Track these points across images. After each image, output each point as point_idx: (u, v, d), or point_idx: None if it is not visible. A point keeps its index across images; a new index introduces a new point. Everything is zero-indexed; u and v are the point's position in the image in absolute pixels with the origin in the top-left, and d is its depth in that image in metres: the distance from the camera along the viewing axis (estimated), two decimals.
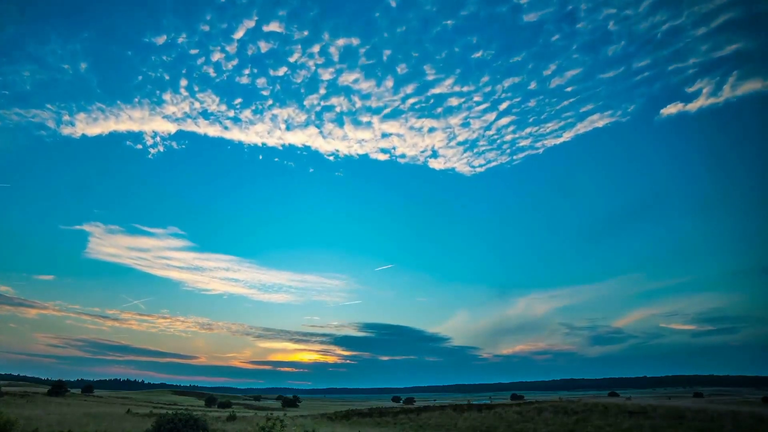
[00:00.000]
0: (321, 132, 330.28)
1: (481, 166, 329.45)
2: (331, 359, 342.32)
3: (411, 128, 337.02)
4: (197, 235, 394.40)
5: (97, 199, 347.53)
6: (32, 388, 65.63)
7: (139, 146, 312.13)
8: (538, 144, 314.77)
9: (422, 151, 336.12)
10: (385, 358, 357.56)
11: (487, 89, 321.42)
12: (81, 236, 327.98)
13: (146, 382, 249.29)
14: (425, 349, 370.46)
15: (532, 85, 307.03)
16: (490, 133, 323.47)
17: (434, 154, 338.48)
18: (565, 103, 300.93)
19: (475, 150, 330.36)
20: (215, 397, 74.10)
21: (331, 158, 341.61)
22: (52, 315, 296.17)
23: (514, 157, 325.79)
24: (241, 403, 79.82)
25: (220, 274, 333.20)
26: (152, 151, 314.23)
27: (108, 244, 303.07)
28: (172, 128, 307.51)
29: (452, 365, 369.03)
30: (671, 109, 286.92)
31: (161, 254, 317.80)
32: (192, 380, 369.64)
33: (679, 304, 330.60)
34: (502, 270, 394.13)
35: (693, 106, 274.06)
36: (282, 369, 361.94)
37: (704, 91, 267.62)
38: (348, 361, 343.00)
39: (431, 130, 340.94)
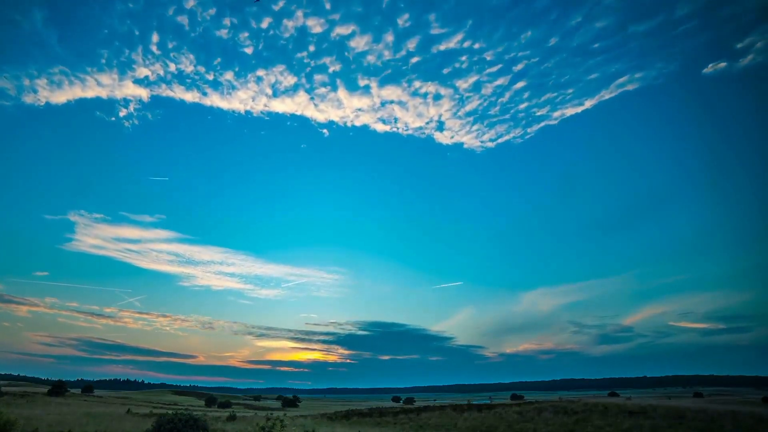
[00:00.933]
0: (312, 99, 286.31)
1: (491, 140, 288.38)
2: (330, 358, 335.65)
3: (414, 94, 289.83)
4: (185, 223, 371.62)
5: (76, 183, 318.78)
6: (32, 388, 65.65)
7: (113, 118, 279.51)
8: (556, 114, 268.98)
9: (428, 122, 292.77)
10: (386, 357, 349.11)
11: (500, 48, 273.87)
12: (67, 227, 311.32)
13: (145, 381, 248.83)
14: (427, 348, 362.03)
15: (552, 41, 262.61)
16: (503, 100, 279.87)
17: (440, 126, 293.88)
18: (591, 62, 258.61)
19: (486, 122, 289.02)
20: (215, 397, 74.09)
21: (325, 132, 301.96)
22: (44, 312, 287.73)
23: (528, 130, 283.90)
24: (241, 403, 79.80)
25: (214, 269, 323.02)
26: (126, 123, 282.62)
27: (94, 236, 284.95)
28: (144, 94, 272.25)
29: (455, 365, 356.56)
30: (714, 69, 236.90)
31: (151, 247, 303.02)
32: (190, 380, 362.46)
33: (692, 301, 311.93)
34: (509, 263, 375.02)
35: (740, 64, 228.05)
36: (281, 369, 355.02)
37: (758, 45, 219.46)
38: (348, 360, 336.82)
39: (437, 97, 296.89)
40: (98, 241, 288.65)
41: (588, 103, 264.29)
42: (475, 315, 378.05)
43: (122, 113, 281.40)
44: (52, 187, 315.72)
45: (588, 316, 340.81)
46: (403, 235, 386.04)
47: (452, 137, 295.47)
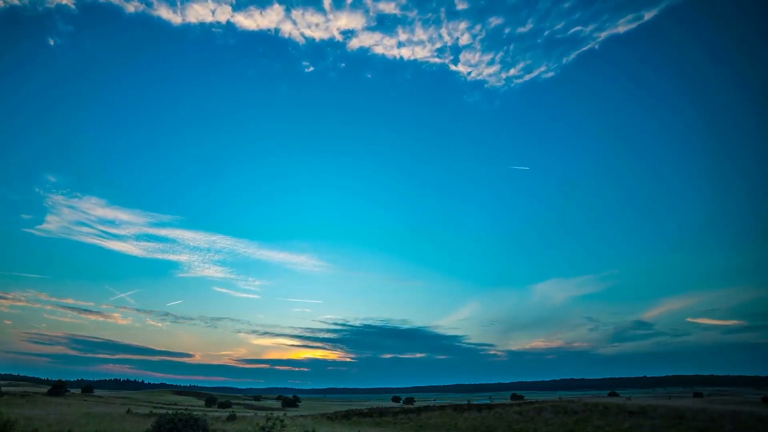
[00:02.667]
0: (288, 11, 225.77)
1: (517, 77, 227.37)
2: (330, 356, 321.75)
3: (421, 7, 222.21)
4: (146, 197, 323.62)
5: (28, 146, 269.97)
6: (32, 388, 65.71)
7: (40, 44, 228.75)
8: (602, 34, 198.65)
9: (440, 50, 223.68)
10: (388, 355, 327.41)
11: None
12: (33, 206, 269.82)
13: (144, 381, 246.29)
14: (430, 346, 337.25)
15: None
16: (536, 14, 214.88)
17: (455, 54, 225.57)
18: None
19: (512, 46, 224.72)
20: (215, 397, 74.12)
21: (309, 67, 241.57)
22: (28, 307, 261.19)
23: (564, 60, 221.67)
24: (241, 403, 79.81)
25: (202, 257, 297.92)
26: (59, 52, 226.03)
27: (63, 217, 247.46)
28: (69, 1, 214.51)
29: (459, 364, 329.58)
30: None
31: (132, 231, 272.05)
32: (187, 379, 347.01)
33: (718, 294, 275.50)
34: (520, 251, 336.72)
35: None
36: (279, 368, 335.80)
37: None
38: (348, 359, 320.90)
39: (453, 14, 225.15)
40: (68, 224, 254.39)
41: (647, 15, 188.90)
42: (481, 310, 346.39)
43: (51, 42, 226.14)
44: (5, 153, 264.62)
45: (605, 310, 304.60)
46: (403, 219, 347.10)
47: (469, 73, 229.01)
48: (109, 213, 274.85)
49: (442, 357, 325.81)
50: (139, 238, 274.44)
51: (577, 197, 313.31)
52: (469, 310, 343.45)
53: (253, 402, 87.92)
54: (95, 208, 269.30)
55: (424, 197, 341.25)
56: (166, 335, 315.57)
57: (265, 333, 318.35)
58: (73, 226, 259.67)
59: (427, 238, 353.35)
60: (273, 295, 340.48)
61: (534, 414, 30.77)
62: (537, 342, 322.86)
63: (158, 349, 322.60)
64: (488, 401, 57.96)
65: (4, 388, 51.08)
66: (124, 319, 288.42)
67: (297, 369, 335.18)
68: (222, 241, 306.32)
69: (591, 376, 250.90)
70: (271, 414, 18.46)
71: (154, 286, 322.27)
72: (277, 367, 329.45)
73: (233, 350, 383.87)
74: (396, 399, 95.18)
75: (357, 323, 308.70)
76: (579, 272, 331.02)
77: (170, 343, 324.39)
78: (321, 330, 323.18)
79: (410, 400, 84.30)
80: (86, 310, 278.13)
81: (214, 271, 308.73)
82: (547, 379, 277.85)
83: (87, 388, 69.64)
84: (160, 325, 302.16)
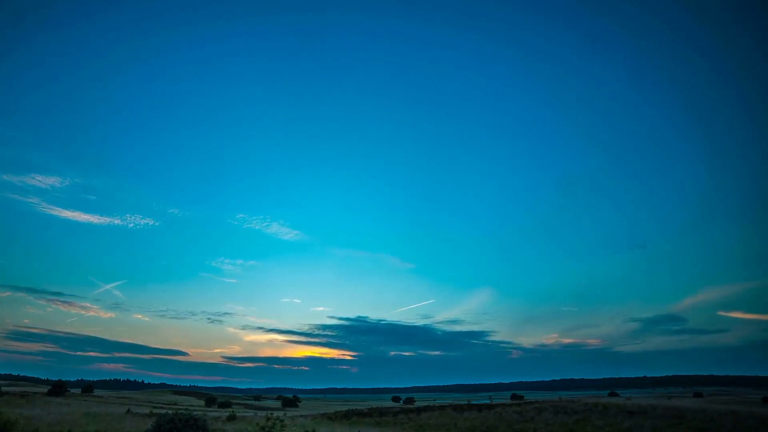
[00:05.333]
0: None
1: None
2: (330, 354, 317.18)
3: None
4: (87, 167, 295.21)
5: None
6: (32, 388, 65.76)
7: None
8: None
9: None
10: (393, 353, 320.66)
11: None
12: None
13: (145, 381, 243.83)
14: (431, 343, 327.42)
15: None
16: None
17: None
18: None
19: None
20: (215, 397, 74.17)
21: None
22: (4, 298, 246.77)
23: None
24: (241, 402, 79.85)
25: (183, 234, 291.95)
26: None
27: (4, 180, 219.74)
28: None
29: (465, 362, 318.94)
30: None
31: (94, 197, 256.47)
32: (186, 379, 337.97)
33: (756, 285, 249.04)
34: (539, 228, 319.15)
35: None
36: (277, 366, 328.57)
37: None
38: (349, 357, 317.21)
39: None
40: (10, 191, 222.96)
41: None
42: (492, 301, 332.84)
43: None
44: None
45: (635, 301, 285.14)
46: (406, 207, 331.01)
47: None
48: (61, 178, 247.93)
49: (438, 354, 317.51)
50: (103, 210, 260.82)
51: (603, 172, 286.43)
52: (476, 301, 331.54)
53: (253, 402, 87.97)
54: (41, 169, 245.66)
55: (426, 178, 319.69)
56: (155, 331, 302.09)
57: (264, 331, 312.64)
58: (16, 194, 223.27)
59: (433, 228, 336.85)
60: (263, 286, 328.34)
61: (534, 414, 30.77)
62: (551, 337, 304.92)
63: (150, 346, 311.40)
64: (488, 401, 57.98)
65: (4, 388, 51.08)
66: (107, 313, 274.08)
67: (296, 368, 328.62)
68: (202, 216, 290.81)
69: (582, 376, 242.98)
70: (271, 414, 18.50)
71: (139, 278, 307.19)
72: (275, 365, 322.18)
73: (227, 348, 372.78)
74: (396, 399, 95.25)
75: (359, 320, 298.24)
76: (601, 257, 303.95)
77: (161, 340, 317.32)
78: (321, 326, 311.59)
79: (410, 400, 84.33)
80: (67, 303, 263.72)
81: (197, 255, 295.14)
82: (539, 379, 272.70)
83: (87, 388, 69.69)
84: (147, 319, 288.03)
